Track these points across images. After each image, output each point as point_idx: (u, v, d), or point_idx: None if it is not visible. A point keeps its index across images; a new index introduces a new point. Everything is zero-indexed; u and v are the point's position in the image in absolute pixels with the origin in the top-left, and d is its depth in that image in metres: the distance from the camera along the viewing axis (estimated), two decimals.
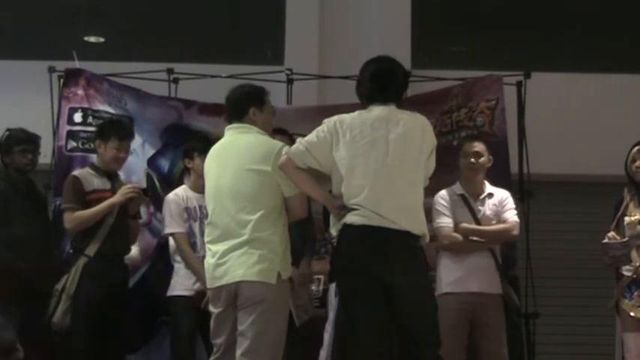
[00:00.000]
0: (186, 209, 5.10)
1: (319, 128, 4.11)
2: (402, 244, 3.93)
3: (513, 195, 5.33)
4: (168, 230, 5.12)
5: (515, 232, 5.04)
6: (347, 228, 3.98)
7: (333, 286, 5.03)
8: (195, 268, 4.93)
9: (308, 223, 4.91)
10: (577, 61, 7.57)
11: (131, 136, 5.28)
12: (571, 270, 7.15)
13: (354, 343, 4.00)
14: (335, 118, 4.11)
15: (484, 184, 5.14)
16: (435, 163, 4.16)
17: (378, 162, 3.96)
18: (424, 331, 3.94)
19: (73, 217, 4.89)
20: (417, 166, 4.03)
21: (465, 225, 4.99)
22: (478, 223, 5.03)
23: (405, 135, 4.01)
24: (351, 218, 3.96)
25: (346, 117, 4.09)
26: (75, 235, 4.98)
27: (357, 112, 4.13)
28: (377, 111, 4.06)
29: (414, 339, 3.93)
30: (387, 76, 4.12)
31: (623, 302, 4.70)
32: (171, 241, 5.19)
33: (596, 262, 4.91)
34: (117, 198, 4.93)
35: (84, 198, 4.92)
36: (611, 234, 4.76)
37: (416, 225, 3.99)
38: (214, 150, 4.36)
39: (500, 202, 5.07)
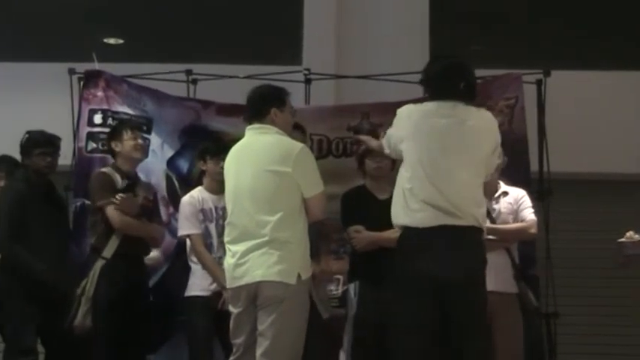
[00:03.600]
0: (202, 210, 5.09)
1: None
2: (465, 243, 3.98)
3: (532, 194, 5.29)
4: (183, 232, 5.12)
5: (533, 230, 4.96)
6: (408, 230, 4.02)
7: (352, 286, 5.03)
8: (211, 269, 4.94)
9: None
10: (597, 58, 7.52)
11: (141, 127, 5.36)
12: (591, 269, 7.10)
13: (403, 345, 4.01)
14: (404, 108, 4.16)
15: (498, 183, 5.11)
16: (498, 161, 4.19)
17: (443, 155, 4.00)
18: (475, 330, 3.97)
19: (127, 222, 4.91)
20: (479, 161, 4.08)
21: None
22: (493, 221, 4.95)
23: (471, 130, 4.06)
24: (412, 218, 3.98)
25: (414, 109, 4.14)
26: (98, 235, 4.99)
27: (425, 104, 4.16)
28: (444, 105, 4.09)
29: (463, 335, 3.96)
30: (458, 73, 4.16)
31: None
32: (187, 242, 5.20)
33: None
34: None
35: (115, 194, 4.94)
36: (629, 233, 4.71)
37: (478, 217, 4.02)
38: (234, 150, 4.37)
39: (516, 201, 4.99)
